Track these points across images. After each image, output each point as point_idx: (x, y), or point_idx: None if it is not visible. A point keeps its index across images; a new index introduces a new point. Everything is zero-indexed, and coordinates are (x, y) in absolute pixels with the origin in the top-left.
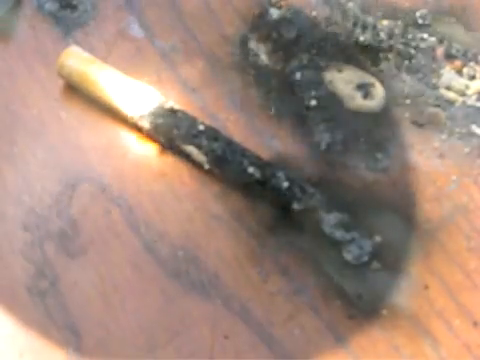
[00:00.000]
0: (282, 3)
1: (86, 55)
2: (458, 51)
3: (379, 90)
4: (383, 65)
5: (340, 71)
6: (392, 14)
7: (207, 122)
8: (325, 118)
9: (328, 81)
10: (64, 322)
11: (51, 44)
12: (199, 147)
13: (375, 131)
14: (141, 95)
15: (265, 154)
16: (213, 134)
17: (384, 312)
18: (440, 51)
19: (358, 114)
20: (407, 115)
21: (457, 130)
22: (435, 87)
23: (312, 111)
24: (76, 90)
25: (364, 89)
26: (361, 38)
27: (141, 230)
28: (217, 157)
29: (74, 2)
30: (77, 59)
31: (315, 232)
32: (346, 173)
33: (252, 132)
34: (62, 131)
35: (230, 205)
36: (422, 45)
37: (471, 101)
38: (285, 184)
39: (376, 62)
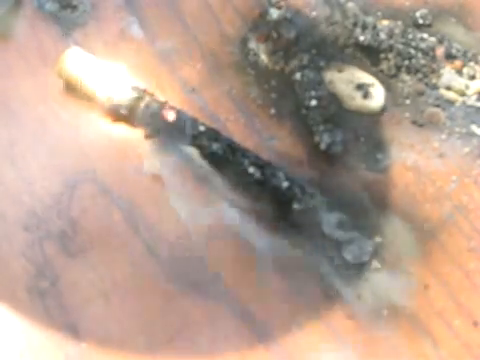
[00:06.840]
0: (282, 3)
1: (86, 55)
2: (458, 51)
3: (379, 90)
4: (383, 65)
5: (340, 71)
6: (392, 14)
7: (207, 122)
8: (325, 118)
9: (328, 81)
10: (64, 322)
11: (51, 44)
12: (199, 148)
13: (375, 131)
14: (141, 96)
15: (265, 154)
16: (213, 135)
17: (384, 312)
18: (440, 51)
19: (358, 114)
20: (407, 115)
21: (457, 130)
22: (435, 87)
23: (312, 111)
24: (76, 90)
25: (364, 89)
26: (361, 38)
27: (141, 230)
28: (217, 157)
29: (74, 2)
30: (77, 59)
31: (315, 232)
32: (346, 173)
33: (252, 132)
34: (62, 131)
35: (230, 205)
36: (422, 45)
37: (471, 101)
38: (285, 184)
39: (376, 62)
